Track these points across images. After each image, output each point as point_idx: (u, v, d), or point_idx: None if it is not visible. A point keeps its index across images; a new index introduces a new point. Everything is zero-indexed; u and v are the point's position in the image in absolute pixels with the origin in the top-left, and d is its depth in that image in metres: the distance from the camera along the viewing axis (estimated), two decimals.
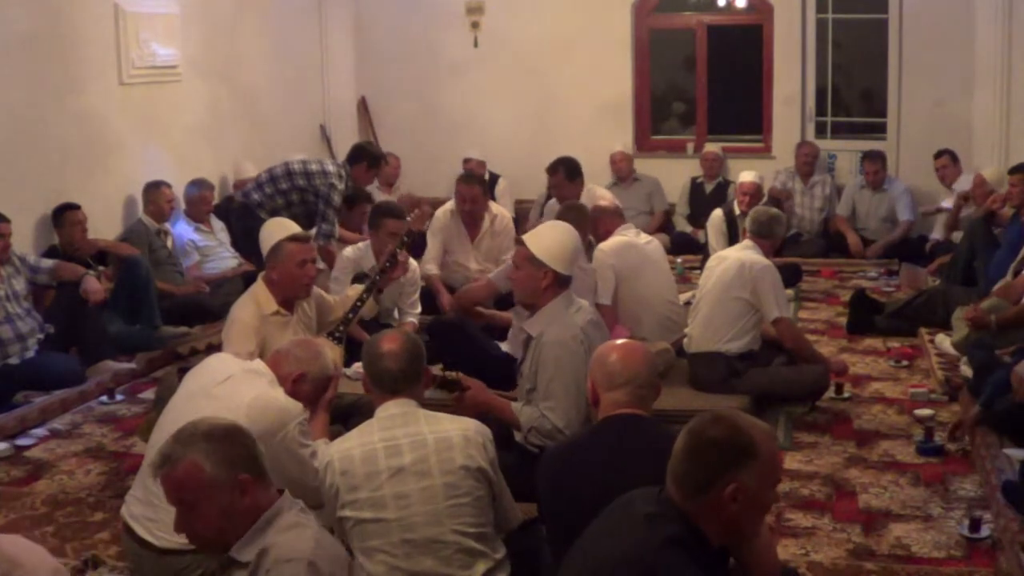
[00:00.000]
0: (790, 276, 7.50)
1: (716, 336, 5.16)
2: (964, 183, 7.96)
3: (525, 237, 4.07)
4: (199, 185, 7.38)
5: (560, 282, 3.97)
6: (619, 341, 3.20)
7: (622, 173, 9.17)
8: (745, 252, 5.30)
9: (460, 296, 5.90)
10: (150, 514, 3.20)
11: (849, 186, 8.90)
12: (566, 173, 6.84)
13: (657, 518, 2.23)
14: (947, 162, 8.27)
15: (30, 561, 2.15)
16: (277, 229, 4.62)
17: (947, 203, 8.07)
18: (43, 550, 2.24)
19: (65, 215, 6.29)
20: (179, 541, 2.65)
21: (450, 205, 6.73)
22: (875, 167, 8.60)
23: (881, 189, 8.64)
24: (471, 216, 6.62)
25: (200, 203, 7.35)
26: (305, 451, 3.29)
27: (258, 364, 3.50)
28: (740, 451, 2.22)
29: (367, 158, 7.25)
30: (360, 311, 4.91)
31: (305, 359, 3.49)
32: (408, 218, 5.42)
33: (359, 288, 5.02)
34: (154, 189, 7.02)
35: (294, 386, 3.43)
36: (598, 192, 7.09)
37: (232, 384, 3.35)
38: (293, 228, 4.63)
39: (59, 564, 2.25)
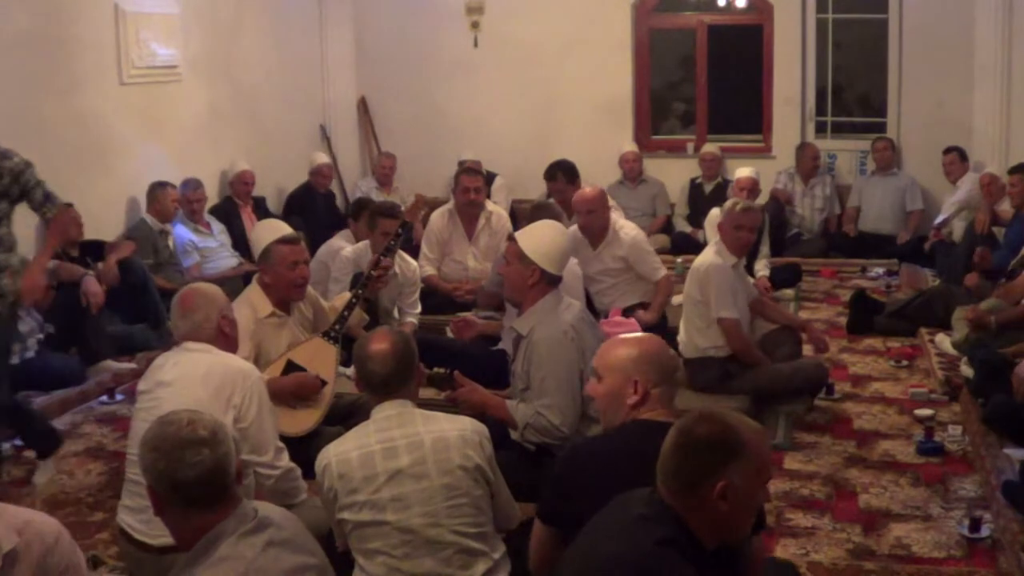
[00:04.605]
0: (790, 276, 7.51)
1: (700, 340, 5.12)
2: (968, 181, 7.97)
3: (517, 234, 4.07)
4: (187, 185, 7.38)
5: (548, 281, 3.94)
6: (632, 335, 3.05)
7: (632, 174, 9.16)
8: (707, 252, 5.23)
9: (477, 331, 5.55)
10: (144, 516, 3.18)
11: (858, 179, 8.97)
12: (566, 177, 6.65)
13: (649, 518, 2.22)
14: (954, 159, 8.25)
15: (37, 518, 2.30)
16: (266, 231, 4.57)
17: (944, 214, 8.08)
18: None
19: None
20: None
21: (447, 207, 6.74)
22: (884, 145, 8.68)
23: (890, 174, 8.68)
24: (472, 207, 6.61)
25: (185, 203, 7.31)
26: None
27: (188, 343, 3.46)
28: (728, 449, 2.21)
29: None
30: (347, 321, 4.88)
31: (206, 304, 3.48)
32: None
33: (347, 296, 5.01)
34: (159, 189, 7.03)
35: (229, 331, 3.51)
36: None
37: (177, 366, 3.37)
38: (283, 229, 4.57)
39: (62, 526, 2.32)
